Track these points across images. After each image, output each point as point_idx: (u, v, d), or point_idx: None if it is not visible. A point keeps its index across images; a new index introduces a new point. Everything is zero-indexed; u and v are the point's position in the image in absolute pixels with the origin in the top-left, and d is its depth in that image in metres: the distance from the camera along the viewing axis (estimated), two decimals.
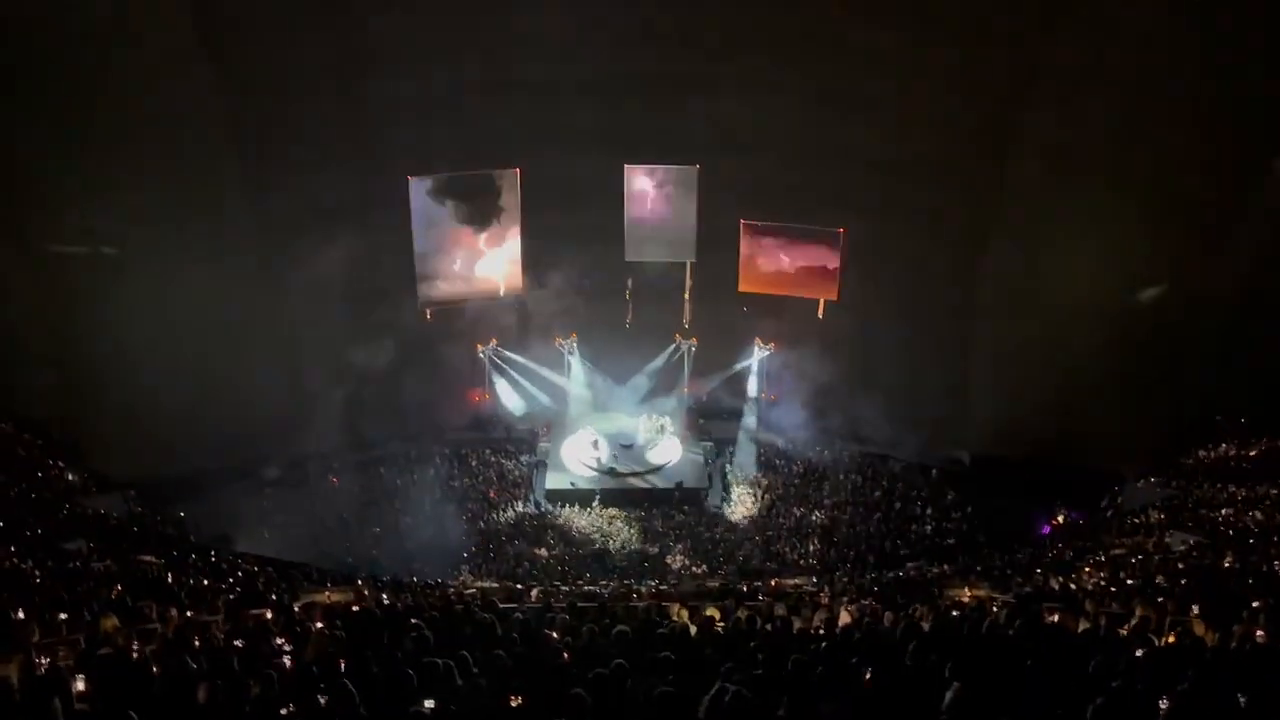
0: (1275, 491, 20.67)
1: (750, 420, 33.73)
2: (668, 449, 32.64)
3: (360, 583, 18.53)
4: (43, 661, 7.43)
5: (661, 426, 33.28)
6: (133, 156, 25.50)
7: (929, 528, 28.24)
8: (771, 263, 33.23)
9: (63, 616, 9.83)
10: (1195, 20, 23.92)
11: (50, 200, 26.20)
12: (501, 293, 33.78)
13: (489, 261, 33.21)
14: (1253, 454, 24.54)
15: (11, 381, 27.02)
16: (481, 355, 33.08)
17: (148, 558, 18.07)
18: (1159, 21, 24.14)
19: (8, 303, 26.78)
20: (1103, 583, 14.87)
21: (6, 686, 6.65)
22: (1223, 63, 24.17)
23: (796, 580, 22.25)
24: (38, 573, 13.03)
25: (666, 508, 30.17)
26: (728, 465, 32.66)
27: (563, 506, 30.44)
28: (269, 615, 11.04)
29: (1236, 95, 24.58)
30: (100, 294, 26.86)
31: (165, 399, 27.37)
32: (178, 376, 27.59)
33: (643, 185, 32.95)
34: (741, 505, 30.62)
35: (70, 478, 26.12)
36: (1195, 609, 10.02)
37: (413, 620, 10.35)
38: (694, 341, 33.76)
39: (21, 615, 9.66)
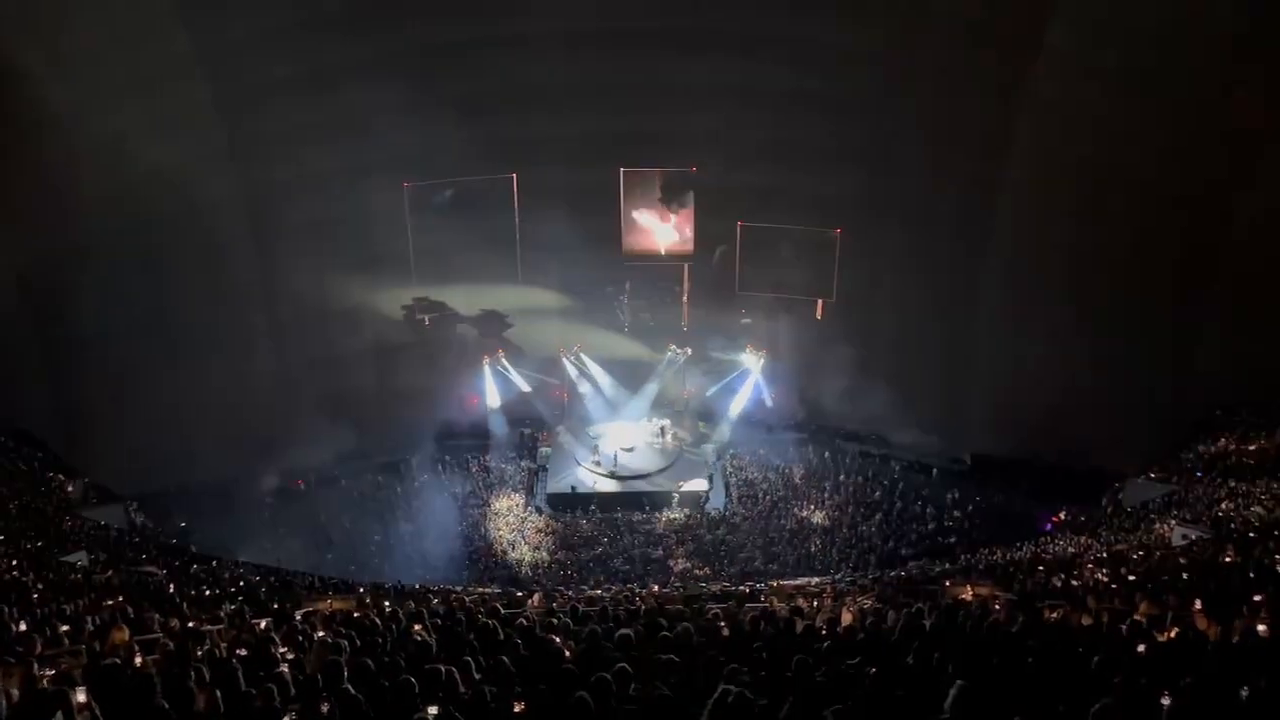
0: (1276, 485, 20.66)
1: (749, 421, 33.77)
2: (668, 452, 32.63)
3: (362, 590, 18.54)
4: (45, 674, 7.39)
5: (662, 430, 33.29)
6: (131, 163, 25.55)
7: (930, 526, 28.23)
8: (768, 263, 33.24)
9: (64, 628, 9.81)
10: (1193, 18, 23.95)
11: None
12: (500, 298, 33.81)
13: (486, 267, 33.17)
14: (1252, 448, 24.52)
15: (10, 395, 26.99)
16: (485, 365, 33.04)
17: (149, 568, 18.09)
18: (1154, 18, 24.11)
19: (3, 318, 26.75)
20: (1104, 579, 14.86)
21: (8, 699, 6.63)
22: (1217, 60, 24.26)
23: (799, 581, 22.22)
24: (39, 585, 13.01)
25: (668, 510, 30.15)
26: (728, 468, 32.62)
27: (564, 511, 30.42)
28: (271, 624, 11.02)
29: (1231, 99, 24.64)
30: (95, 307, 26.89)
31: (166, 411, 27.43)
32: (178, 388, 27.64)
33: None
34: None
35: (70, 490, 26.12)
36: (1197, 604, 10.01)
37: (415, 626, 10.35)
38: (688, 350, 33.72)
39: (24, 627, 9.64)
